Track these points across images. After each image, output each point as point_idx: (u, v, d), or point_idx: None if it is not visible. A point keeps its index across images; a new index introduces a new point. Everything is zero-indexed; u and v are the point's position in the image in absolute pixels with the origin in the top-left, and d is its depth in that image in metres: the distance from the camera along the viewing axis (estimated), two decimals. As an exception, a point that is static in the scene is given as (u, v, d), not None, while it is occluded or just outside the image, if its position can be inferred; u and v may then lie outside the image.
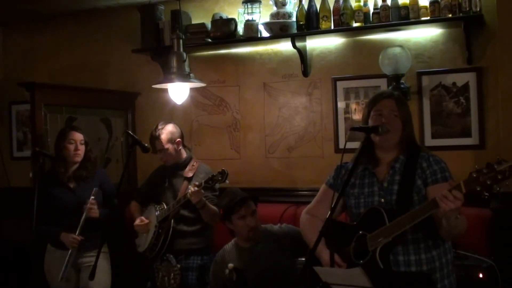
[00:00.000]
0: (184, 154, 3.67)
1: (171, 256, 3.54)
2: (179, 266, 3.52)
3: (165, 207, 3.59)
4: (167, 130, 3.59)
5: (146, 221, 3.61)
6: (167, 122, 3.66)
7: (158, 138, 3.56)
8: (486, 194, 1.95)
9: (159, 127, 3.60)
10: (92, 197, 3.50)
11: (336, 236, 2.32)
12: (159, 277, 3.57)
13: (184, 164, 3.66)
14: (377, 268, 2.18)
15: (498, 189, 1.93)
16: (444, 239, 2.32)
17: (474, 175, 1.96)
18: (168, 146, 3.57)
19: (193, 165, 3.64)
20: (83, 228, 3.49)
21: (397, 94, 2.47)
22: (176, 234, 3.54)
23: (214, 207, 3.51)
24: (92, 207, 3.51)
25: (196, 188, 3.31)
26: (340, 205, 2.53)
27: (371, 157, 2.45)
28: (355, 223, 2.39)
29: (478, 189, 1.95)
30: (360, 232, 2.30)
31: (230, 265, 3.07)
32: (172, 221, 3.54)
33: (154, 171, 3.86)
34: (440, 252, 2.32)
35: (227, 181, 3.32)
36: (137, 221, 3.64)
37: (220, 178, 3.31)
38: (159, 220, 3.56)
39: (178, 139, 3.62)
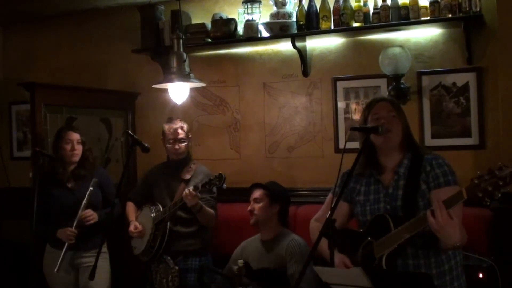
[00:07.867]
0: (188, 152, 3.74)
1: (169, 258, 3.53)
2: (177, 268, 3.50)
3: (161, 208, 3.57)
4: (185, 124, 3.69)
5: (140, 227, 3.60)
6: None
7: (182, 127, 3.63)
8: (488, 200, 1.92)
9: (176, 119, 3.69)
10: (85, 201, 3.51)
11: (344, 243, 2.33)
12: (157, 279, 3.57)
13: (185, 162, 3.67)
14: (384, 273, 2.17)
15: (499, 195, 1.90)
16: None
17: (476, 182, 1.93)
18: (189, 137, 3.70)
19: (190, 167, 3.65)
20: (79, 223, 3.49)
21: (389, 97, 2.48)
22: (172, 235, 3.52)
23: (211, 210, 3.50)
24: (88, 216, 3.52)
25: (192, 192, 3.31)
26: (347, 213, 2.53)
27: (375, 164, 2.44)
28: (362, 230, 2.39)
29: (480, 195, 1.93)
30: (368, 239, 2.30)
31: (241, 261, 3.12)
32: (169, 222, 3.53)
33: (148, 171, 3.84)
34: (449, 254, 2.31)
35: (224, 185, 3.31)
36: (131, 228, 3.62)
37: (217, 182, 3.30)
38: (155, 222, 3.54)
39: (190, 136, 3.75)
